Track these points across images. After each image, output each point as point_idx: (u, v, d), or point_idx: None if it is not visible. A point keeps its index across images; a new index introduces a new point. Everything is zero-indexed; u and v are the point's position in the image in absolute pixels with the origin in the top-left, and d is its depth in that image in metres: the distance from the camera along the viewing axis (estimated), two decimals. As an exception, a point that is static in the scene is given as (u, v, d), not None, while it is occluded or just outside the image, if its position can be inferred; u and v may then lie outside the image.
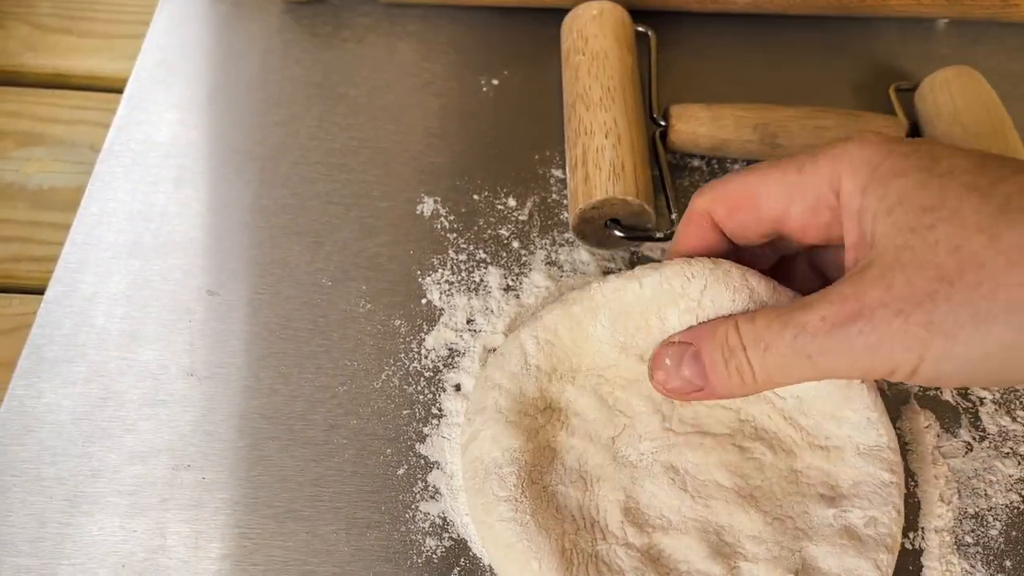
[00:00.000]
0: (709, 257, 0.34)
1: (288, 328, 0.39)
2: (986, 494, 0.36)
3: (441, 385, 0.38)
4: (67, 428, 0.36)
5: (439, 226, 0.43)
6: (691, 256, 0.34)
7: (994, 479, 0.36)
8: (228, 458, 0.36)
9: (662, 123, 0.44)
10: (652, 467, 0.34)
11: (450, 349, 0.39)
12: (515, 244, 0.42)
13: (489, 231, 0.42)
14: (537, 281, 0.41)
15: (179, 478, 0.35)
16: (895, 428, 0.36)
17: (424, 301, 0.40)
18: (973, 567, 0.34)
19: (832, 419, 0.34)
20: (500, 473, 0.33)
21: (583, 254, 0.42)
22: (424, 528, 0.34)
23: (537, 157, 0.45)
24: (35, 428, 0.36)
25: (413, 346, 0.39)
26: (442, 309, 0.40)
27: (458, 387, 0.38)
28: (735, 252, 0.35)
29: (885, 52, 0.51)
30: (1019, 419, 0.38)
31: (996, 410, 0.38)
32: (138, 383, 0.37)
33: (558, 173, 0.45)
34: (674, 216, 0.42)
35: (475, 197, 0.44)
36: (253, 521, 0.34)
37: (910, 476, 0.36)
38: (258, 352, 0.38)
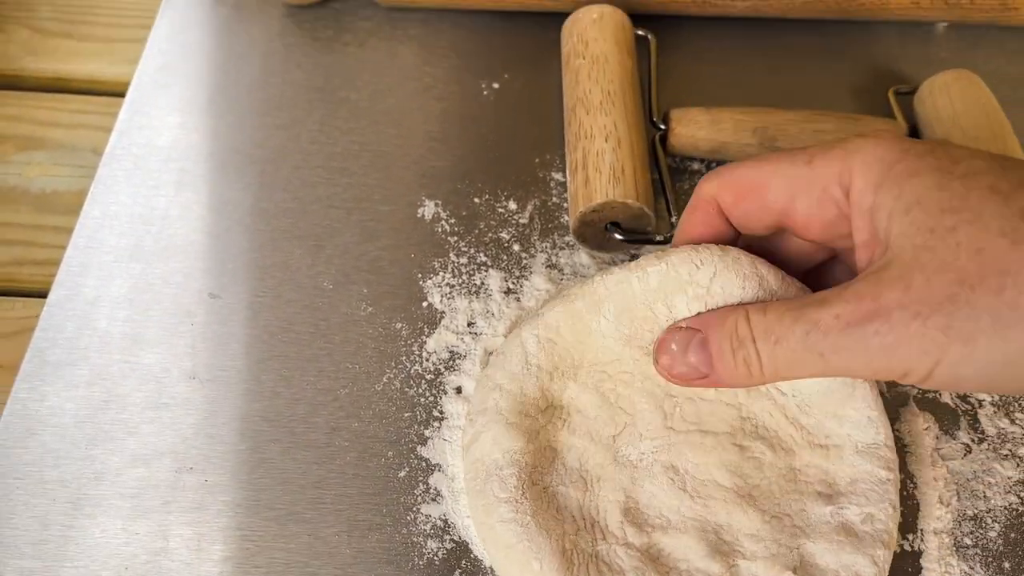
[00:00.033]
0: (716, 244, 0.34)
1: (290, 331, 0.39)
2: (985, 496, 0.36)
3: (442, 388, 0.38)
4: (70, 431, 0.36)
5: (440, 229, 0.43)
6: (696, 243, 0.34)
7: (993, 481, 0.36)
8: (230, 461, 0.36)
9: (662, 127, 0.45)
10: (652, 467, 0.34)
11: (451, 352, 0.39)
12: (516, 247, 0.42)
13: (490, 234, 0.43)
14: (538, 284, 0.41)
15: (181, 481, 0.35)
16: (894, 430, 0.36)
17: (425, 304, 0.40)
18: (972, 569, 0.34)
19: (834, 418, 0.34)
20: (501, 475, 0.33)
21: (583, 257, 0.42)
22: (425, 530, 0.34)
23: (537, 160, 0.45)
24: (38, 431, 0.36)
25: (414, 349, 0.39)
26: (443, 312, 0.40)
27: (459, 390, 0.38)
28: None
29: (884, 56, 0.51)
30: (1018, 421, 0.38)
31: (995, 412, 0.38)
32: (140, 386, 0.37)
33: (558, 176, 0.45)
34: (674, 219, 0.42)
35: (476, 200, 0.44)
36: (255, 523, 0.34)
37: (909, 478, 0.36)
38: (260, 355, 0.38)
